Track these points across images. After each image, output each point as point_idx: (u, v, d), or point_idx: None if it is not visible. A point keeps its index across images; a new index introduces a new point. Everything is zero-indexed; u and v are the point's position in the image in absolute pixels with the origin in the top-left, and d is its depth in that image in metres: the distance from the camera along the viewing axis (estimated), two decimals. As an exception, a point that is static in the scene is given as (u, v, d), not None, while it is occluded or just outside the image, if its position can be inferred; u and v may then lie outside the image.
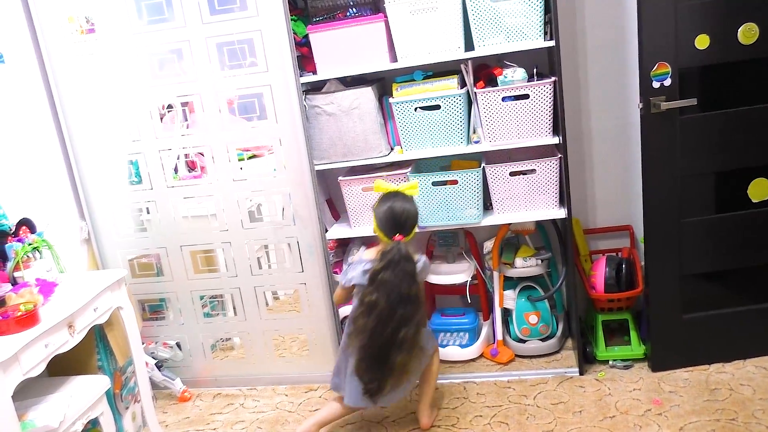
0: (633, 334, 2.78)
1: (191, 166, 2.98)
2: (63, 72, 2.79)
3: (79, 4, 2.74)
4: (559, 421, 2.46)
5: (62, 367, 2.49)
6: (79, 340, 2.23)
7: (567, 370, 2.79)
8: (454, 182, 2.69)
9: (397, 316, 2.25)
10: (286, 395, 2.94)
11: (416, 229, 2.39)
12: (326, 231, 2.85)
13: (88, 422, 2.25)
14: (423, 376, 2.54)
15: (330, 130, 2.75)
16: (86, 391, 2.27)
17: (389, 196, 2.38)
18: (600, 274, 2.77)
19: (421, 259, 2.38)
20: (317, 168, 2.80)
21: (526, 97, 2.56)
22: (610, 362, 2.77)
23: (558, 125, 2.54)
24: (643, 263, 2.69)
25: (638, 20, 2.34)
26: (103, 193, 2.93)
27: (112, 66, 2.75)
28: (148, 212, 2.91)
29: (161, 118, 2.86)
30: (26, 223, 2.44)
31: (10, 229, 2.36)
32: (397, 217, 2.33)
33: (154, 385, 3.02)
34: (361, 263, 2.38)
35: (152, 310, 3.10)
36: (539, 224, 2.94)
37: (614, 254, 2.89)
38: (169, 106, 2.95)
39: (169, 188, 2.86)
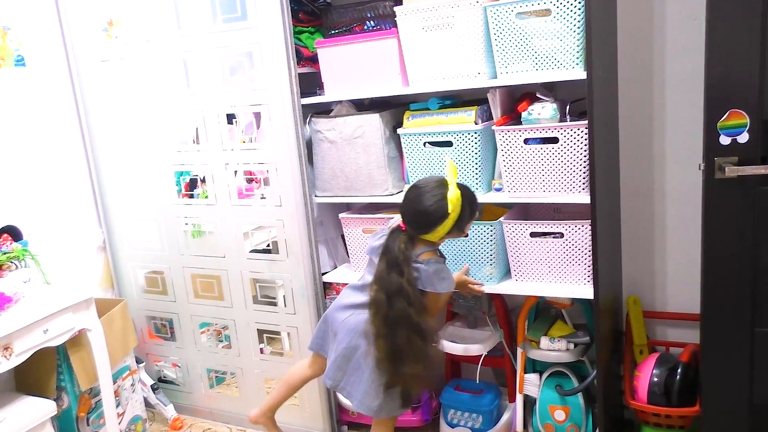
0: (687, 464, 2.09)
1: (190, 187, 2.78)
2: (89, 77, 2.73)
3: (110, 5, 2.63)
4: None
5: (26, 384, 2.43)
6: (18, 362, 2.10)
7: (588, 492, 2.17)
8: (465, 234, 2.19)
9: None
10: (270, 447, 2.64)
11: (436, 235, 1.94)
12: (323, 273, 2.50)
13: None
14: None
15: (332, 159, 2.38)
16: (24, 415, 2.16)
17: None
18: (645, 377, 2.10)
19: (428, 264, 1.94)
20: (318, 201, 2.46)
21: (554, 140, 2.00)
22: (647, 495, 2.10)
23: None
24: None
25: (706, 46, 1.69)
26: (121, 203, 2.85)
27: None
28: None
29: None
30: (9, 231, 2.40)
31: (-10, 236, 2.33)
32: (405, 198, 1.97)
33: (150, 406, 2.90)
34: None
35: (161, 328, 2.97)
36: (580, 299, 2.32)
37: (670, 353, 2.19)
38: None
39: (174, 205, 2.70)
